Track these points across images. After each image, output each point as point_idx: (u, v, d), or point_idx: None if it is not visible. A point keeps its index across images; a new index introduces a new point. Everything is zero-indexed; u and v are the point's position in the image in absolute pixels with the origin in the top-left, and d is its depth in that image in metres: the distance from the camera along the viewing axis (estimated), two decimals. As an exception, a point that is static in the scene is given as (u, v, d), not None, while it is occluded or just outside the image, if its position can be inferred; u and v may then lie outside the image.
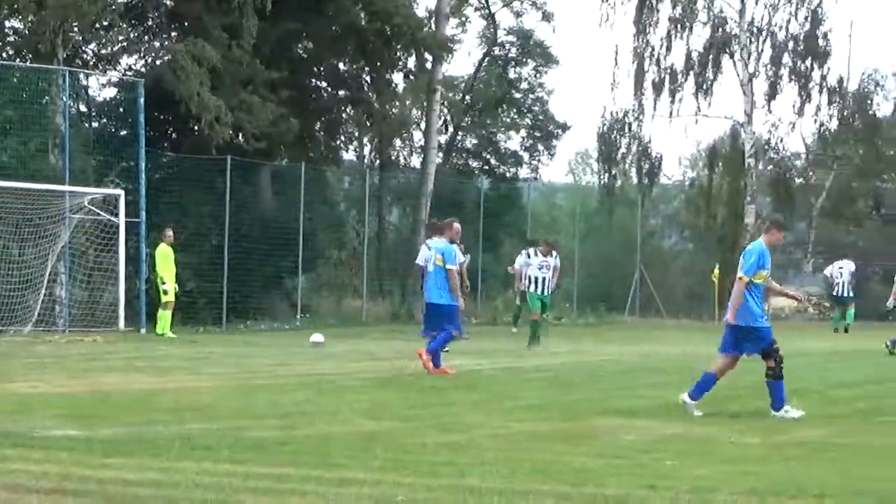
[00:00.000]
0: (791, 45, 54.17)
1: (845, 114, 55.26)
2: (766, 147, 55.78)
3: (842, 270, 37.26)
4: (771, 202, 56.88)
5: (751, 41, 54.09)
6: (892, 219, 59.11)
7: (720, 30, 54.32)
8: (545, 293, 27.28)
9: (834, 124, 55.69)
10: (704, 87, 54.24)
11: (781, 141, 56.19)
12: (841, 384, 17.45)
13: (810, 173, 58.53)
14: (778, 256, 61.66)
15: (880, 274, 56.86)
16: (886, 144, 58.71)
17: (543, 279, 27.23)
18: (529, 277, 27.43)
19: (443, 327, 19.15)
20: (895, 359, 23.31)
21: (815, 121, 55.38)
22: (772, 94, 54.60)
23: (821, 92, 54.63)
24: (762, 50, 54.37)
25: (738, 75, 54.29)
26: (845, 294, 37.56)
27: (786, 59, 54.19)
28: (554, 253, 27.78)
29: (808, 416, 13.42)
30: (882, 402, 14.67)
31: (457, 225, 20.18)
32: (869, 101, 55.54)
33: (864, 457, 10.58)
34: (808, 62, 54.13)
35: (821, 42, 54.25)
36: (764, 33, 54.16)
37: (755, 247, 14.05)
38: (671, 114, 54.61)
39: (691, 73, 54.37)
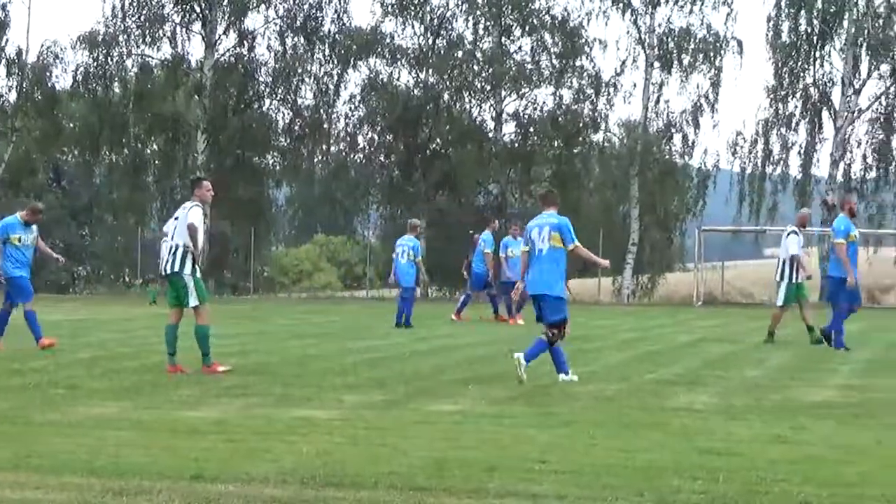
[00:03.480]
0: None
1: (24, 85, 55.40)
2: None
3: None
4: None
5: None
6: (74, 190, 60.01)
7: None
8: None
9: (13, 96, 55.73)
10: None
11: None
12: (30, 356, 17.73)
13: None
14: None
15: (61, 246, 57.62)
16: (66, 117, 59.45)
17: None
18: None
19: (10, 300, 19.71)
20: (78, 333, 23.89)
21: (-8, 92, 55.23)
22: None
23: (-1, 63, 54.58)
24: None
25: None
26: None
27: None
28: None
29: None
30: (57, 375, 15.07)
31: (37, 205, 20.30)
32: (48, 73, 55.91)
33: (39, 430, 10.89)
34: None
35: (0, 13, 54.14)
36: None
37: (557, 217, 14.68)
38: None
39: None
